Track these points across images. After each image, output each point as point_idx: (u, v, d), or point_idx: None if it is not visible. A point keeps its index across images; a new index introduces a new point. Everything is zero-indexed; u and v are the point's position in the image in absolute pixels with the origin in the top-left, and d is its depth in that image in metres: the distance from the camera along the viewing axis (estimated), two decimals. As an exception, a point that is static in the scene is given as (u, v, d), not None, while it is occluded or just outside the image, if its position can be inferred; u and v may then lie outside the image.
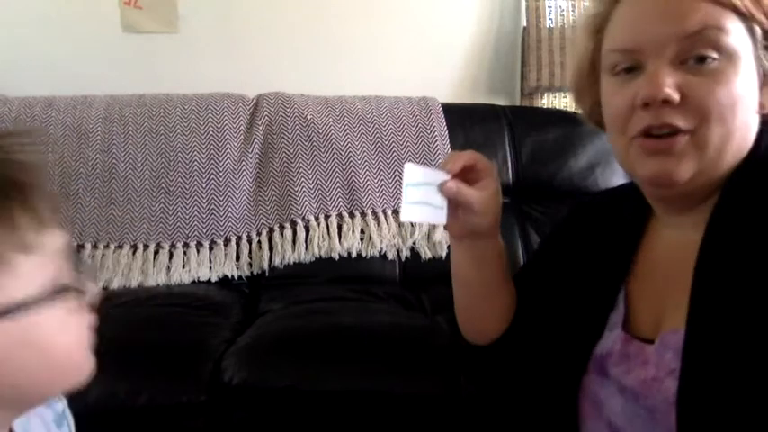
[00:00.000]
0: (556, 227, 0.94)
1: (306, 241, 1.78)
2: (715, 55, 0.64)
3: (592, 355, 0.75)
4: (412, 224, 1.84)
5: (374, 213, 1.84)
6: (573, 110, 2.20)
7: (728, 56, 0.64)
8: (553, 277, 0.86)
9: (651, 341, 0.70)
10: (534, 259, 0.97)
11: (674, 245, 0.73)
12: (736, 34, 0.64)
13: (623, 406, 0.70)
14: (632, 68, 0.68)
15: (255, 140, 1.85)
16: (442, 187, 0.76)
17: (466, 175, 0.78)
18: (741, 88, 0.64)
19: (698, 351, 0.62)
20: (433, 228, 1.83)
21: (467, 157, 0.78)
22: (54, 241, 0.50)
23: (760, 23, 0.65)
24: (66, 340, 0.51)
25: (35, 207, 0.48)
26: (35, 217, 0.48)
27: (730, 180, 0.67)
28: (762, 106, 0.67)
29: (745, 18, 0.64)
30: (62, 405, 0.65)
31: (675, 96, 0.64)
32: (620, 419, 0.71)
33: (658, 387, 0.66)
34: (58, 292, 0.49)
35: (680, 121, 0.65)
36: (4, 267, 0.46)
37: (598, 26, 0.73)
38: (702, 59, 0.64)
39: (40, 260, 0.48)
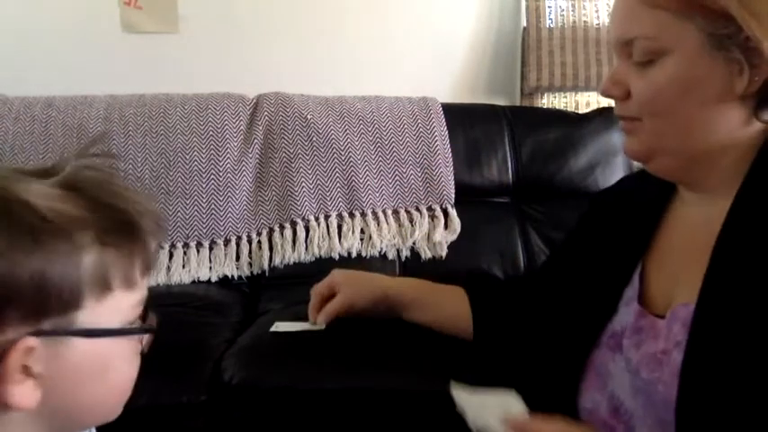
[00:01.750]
0: (577, 221, 0.96)
1: (306, 241, 1.78)
2: (649, 58, 0.67)
3: (606, 329, 0.76)
4: (412, 224, 1.84)
5: (374, 213, 1.84)
6: (573, 110, 2.20)
7: (663, 55, 0.67)
8: (573, 264, 0.88)
9: (663, 317, 0.71)
10: (556, 253, 1.00)
11: (694, 222, 0.74)
12: (671, 36, 0.65)
13: (631, 381, 0.71)
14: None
15: (255, 140, 1.85)
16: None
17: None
18: (684, 84, 0.66)
19: (706, 324, 0.63)
20: (433, 228, 1.84)
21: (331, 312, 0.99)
22: (145, 287, 0.54)
23: (707, 18, 0.64)
24: (124, 376, 0.55)
25: (149, 252, 0.53)
26: (146, 261, 0.53)
27: (758, 158, 0.68)
28: (749, 86, 0.66)
29: (686, 15, 0.65)
30: None
31: (615, 92, 0.71)
32: (625, 393, 0.72)
33: (667, 360, 0.67)
34: (140, 331, 0.54)
35: (627, 113, 0.72)
36: (107, 295, 0.50)
37: None
38: (641, 61, 0.68)
39: (136, 299, 0.53)
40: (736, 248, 0.65)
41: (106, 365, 0.52)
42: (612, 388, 0.74)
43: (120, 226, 0.50)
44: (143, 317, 0.55)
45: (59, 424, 0.53)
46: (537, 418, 0.67)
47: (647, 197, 0.82)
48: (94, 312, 0.49)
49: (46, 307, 0.47)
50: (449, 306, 0.98)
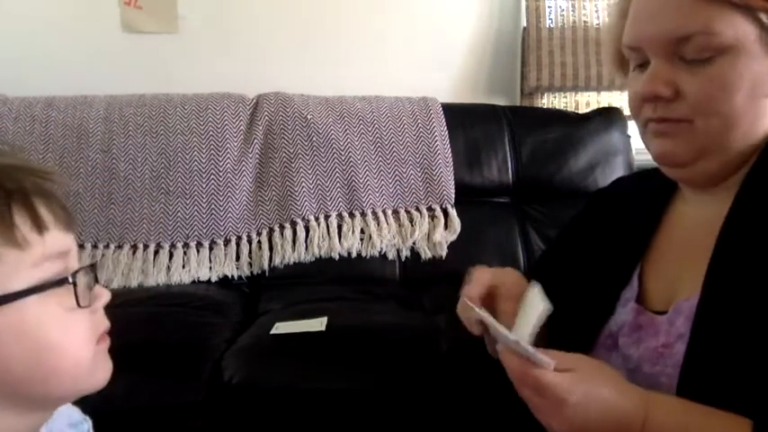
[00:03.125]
0: (571, 220, 0.95)
1: (306, 241, 1.78)
2: (708, 54, 0.65)
3: (603, 330, 0.76)
4: (412, 224, 1.84)
5: (374, 213, 1.84)
6: (573, 110, 2.20)
7: (723, 52, 0.64)
8: (569, 263, 0.87)
9: (662, 314, 0.71)
10: (549, 252, 0.99)
11: (695, 220, 0.74)
12: (731, 30, 0.64)
13: (628, 378, 0.71)
14: (643, 64, 0.70)
15: (255, 140, 1.85)
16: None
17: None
18: (741, 79, 0.65)
19: (709, 314, 0.63)
20: (433, 228, 1.84)
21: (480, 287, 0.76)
22: (55, 243, 0.52)
23: (762, 9, 0.64)
24: (60, 337, 0.52)
25: (36, 210, 0.51)
26: (35, 219, 0.51)
27: (761, 156, 0.68)
28: None
29: (743, 8, 0.64)
30: (87, 425, 0.66)
31: (666, 92, 0.66)
32: None
33: (669, 353, 0.67)
34: (51, 286, 0.51)
35: (675, 114, 0.67)
36: None
37: (624, 12, 0.74)
38: (696, 59, 0.65)
39: (35, 257, 0.51)
40: (738, 243, 0.65)
41: (25, 331, 0.50)
42: None
43: None
44: (82, 272, 0.54)
45: (21, 402, 0.52)
46: (556, 356, 0.62)
47: (646, 198, 0.81)
48: None
49: None
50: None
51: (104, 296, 0.57)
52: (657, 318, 0.71)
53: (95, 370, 0.55)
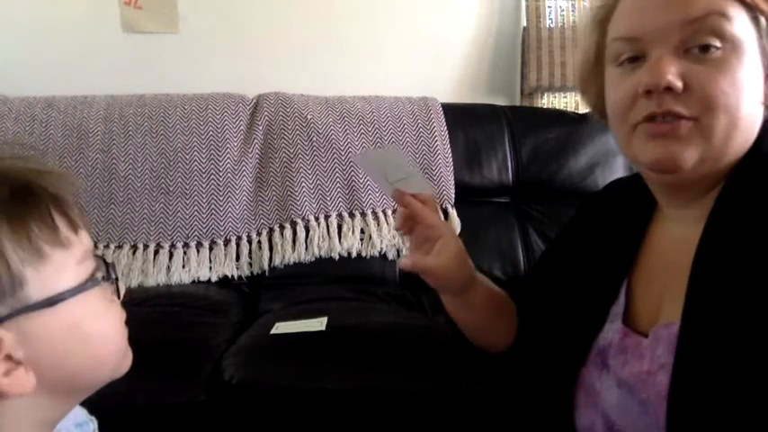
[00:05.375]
0: (564, 226, 0.94)
1: (306, 241, 1.78)
2: (718, 43, 0.64)
3: (593, 347, 0.76)
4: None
5: (374, 213, 1.84)
6: (573, 110, 2.20)
7: (732, 44, 0.64)
8: (560, 274, 0.87)
9: (647, 335, 0.70)
10: (543, 260, 0.99)
11: (675, 239, 0.73)
12: (740, 23, 0.64)
13: (618, 398, 0.71)
14: (636, 58, 0.68)
15: (255, 140, 1.85)
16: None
17: (420, 239, 0.83)
18: (745, 78, 0.64)
19: (692, 345, 0.62)
20: (432, 228, 1.84)
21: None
22: (86, 241, 0.56)
23: (764, 13, 0.64)
24: (105, 327, 0.57)
25: (68, 212, 0.55)
26: (69, 219, 0.55)
27: (733, 173, 0.66)
28: (767, 96, 0.67)
29: (750, 8, 0.64)
30: (93, 426, 0.67)
31: (678, 84, 0.64)
32: (615, 411, 0.71)
33: (652, 381, 0.67)
34: (96, 282, 0.55)
35: (682, 109, 0.64)
36: (44, 261, 0.51)
37: (604, 17, 0.74)
38: (706, 48, 0.64)
39: (77, 255, 0.54)
40: (713, 264, 0.63)
41: (79, 325, 0.53)
42: (603, 406, 0.73)
43: (15, 193, 0.51)
44: (107, 266, 0.58)
45: (65, 392, 0.55)
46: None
47: (630, 210, 0.80)
48: (41, 281, 0.51)
49: None
50: (499, 312, 0.92)
51: (122, 289, 0.62)
52: (642, 340, 0.70)
53: (127, 355, 0.61)
